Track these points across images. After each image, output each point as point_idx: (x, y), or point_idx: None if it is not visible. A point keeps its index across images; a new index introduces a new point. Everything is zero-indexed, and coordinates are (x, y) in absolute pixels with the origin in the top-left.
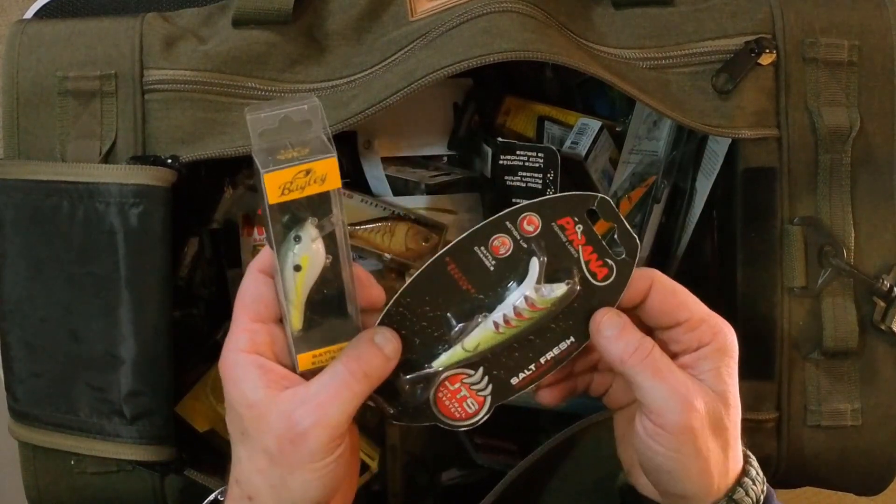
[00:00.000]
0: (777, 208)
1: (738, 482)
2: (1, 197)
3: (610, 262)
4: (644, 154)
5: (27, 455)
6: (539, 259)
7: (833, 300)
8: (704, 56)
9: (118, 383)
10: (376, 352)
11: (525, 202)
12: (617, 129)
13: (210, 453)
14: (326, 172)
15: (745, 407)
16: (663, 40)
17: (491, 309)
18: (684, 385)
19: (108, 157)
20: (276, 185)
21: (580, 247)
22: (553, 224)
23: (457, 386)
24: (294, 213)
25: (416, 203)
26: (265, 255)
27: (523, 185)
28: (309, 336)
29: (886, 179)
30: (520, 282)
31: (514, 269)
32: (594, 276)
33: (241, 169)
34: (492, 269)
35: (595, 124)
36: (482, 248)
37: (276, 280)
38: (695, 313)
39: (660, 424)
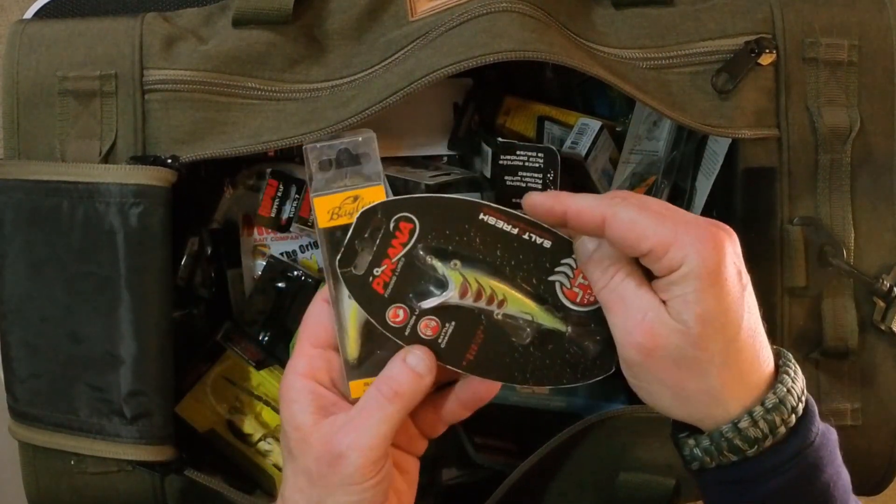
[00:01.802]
0: (777, 208)
1: (750, 411)
2: (1, 197)
3: (389, 231)
4: (644, 154)
5: (27, 455)
6: (423, 303)
7: (833, 300)
8: (704, 56)
9: (118, 383)
10: (408, 371)
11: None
12: (617, 129)
13: (210, 454)
14: (374, 200)
15: None
16: (663, 40)
17: (489, 313)
18: (634, 319)
19: (108, 157)
20: (326, 210)
21: (391, 262)
22: (385, 297)
23: (577, 293)
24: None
25: None
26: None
27: (523, 185)
28: (363, 364)
29: (886, 179)
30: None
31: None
32: (408, 236)
33: (240, 169)
34: (455, 326)
35: (595, 124)
36: (440, 343)
37: (331, 307)
38: (658, 242)
39: (619, 354)
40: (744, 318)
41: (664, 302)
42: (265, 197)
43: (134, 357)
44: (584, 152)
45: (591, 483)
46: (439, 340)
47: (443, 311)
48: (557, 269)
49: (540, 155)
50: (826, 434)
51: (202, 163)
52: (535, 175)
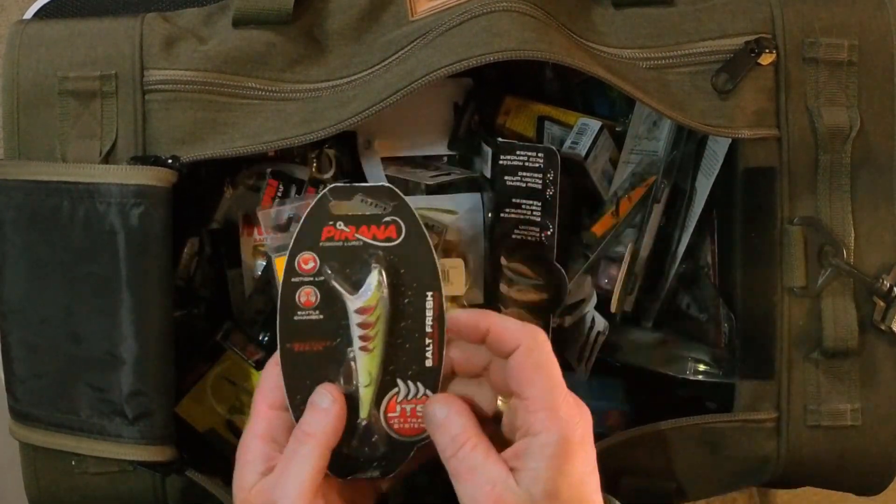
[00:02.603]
0: (777, 208)
1: None
2: (1, 198)
3: (385, 220)
4: (644, 154)
5: (28, 455)
6: (336, 279)
7: (833, 300)
8: (704, 56)
9: (119, 383)
10: (314, 410)
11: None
12: (617, 129)
13: (210, 454)
14: None
15: (745, 407)
16: (663, 40)
17: (350, 342)
18: (483, 490)
19: (108, 158)
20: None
21: (355, 234)
22: (319, 245)
23: (397, 410)
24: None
25: (417, 203)
26: None
27: (523, 184)
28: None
29: (886, 179)
30: (343, 305)
31: (333, 301)
32: (388, 240)
33: (240, 169)
34: (321, 318)
35: (595, 124)
36: (299, 312)
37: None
38: (537, 398)
39: None
40: (585, 494)
41: (512, 470)
42: (265, 197)
43: (135, 357)
44: (584, 152)
45: None
46: (301, 314)
47: (328, 301)
48: (410, 382)
49: (540, 155)
50: None
51: (202, 163)
52: (535, 175)
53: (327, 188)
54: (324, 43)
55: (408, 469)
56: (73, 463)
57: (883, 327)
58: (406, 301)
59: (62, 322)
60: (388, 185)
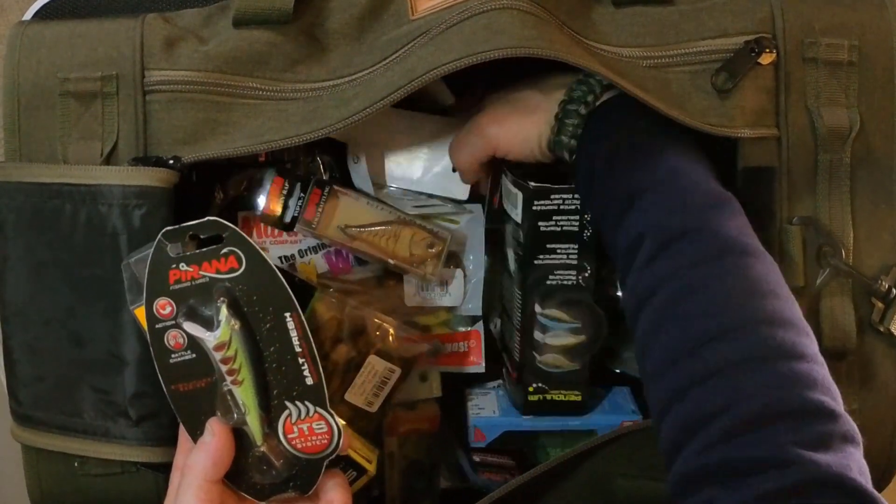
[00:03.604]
0: (776, 208)
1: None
2: (3, 200)
3: (223, 251)
4: None
5: (30, 458)
6: (186, 322)
7: (831, 300)
8: (704, 55)
9: (123, 385)
10: (196, 445)
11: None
12: None
13: None
14: None
15: None
16: (663, 39)
17: (222, 376)
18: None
19: (109, 159)
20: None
21: (199, 272)
22: (170, 289)
23: (295, 431)
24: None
25: (421, 205)
26: None
27: (558, 229)
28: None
29: (886, 180)
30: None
31: (198, 342)
32: (231, 271)
33: (231, 174)
34: (194, 356)
35: None
36: (173, 355)
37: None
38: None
39: None
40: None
41: None
42: (270, 195)
43: (138, 358)
44: None
45: (588, 488)
46: (175, 356)
47: (194, 340)
48: (298, 402)
49: (576, 197)
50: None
51: (193, 168)
52: (571, 217)
53: (161, 233)
54: (324, 42)
55: None
56: (76, 465)
57: (881, 328)
58: (267, 326)
59: (64, 324)
60: (215, 218)
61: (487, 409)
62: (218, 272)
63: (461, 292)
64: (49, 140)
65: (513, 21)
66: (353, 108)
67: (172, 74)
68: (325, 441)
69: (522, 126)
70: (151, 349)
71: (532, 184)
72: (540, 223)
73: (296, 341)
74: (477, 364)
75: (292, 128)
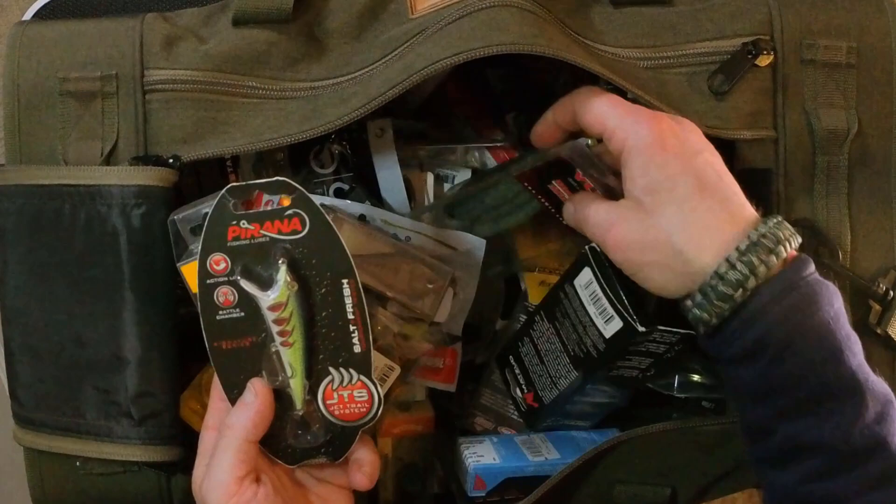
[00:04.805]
0: (773, 210)
1: (727, 257)
2: (2, 202)
3: (287, 213)
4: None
5: (32, 459)
6: (244, 279)
7: None
8: (702, 56)
9: (125, 385)
10: (237, 404)
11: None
12: None
13: None
14: None
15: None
16: (661, 40)
17: (272, 337)
18: (599, 226)
19: (109, 158)
20: (194, 276)
21: (260, 231)
22: (228, 245)
23: (335, 397)
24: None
25: (421, 229)
26: None
27: (644, 349)
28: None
29: (884, 182)
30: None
31: (250, 299)
32: (293, 233)
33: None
34: (242, 315)
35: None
36: (220, 312)
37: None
38: (605, 125)
39: (614, 262)
40: (694, 180)
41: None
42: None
43: (140, 358)
44: None
45: (590, 497)
46: (223, 313)
47: (246, 299)
48: (342, 369)
49: (675, 333)
50: (824, 286)
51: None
52: (662, 345)
53: (226, 188)
54: (324, 41)
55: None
56: (78, 464)
57: (878, 331)
58: (322, 291)
59: (66, 325)
60: (283, 178)
61: (487, 457)
62: (280, 233)
63: (447, 310)
64: (49, 140)
65: (512, 18)
66: (352, 105)
67: (172, 74)
68: (364, 409)
69: (662, 272)
70: (199, 303)
71: (640, 328)
72: (631, 347)
73: (349, 308)
74: (449, 384)
75: (292, 126)
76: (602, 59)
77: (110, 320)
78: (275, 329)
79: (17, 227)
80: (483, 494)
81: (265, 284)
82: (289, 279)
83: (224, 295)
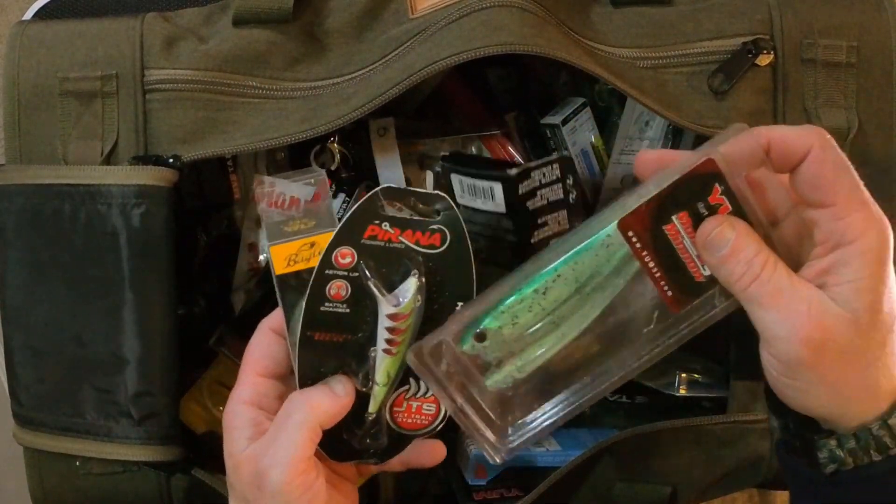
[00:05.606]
0: None
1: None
2: (2, 202)
3: (432, 227)
4: (635, 155)
5: (32, 458)
6: (373, 281)
7: None
8: (702, 56)
9: (125, 385)
10: (325, 390)
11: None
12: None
13: (209, 455)
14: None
15: (739, 408)
16: (661, 40)
17: (373, 341)
18: (798, 312)
19: (110, 158)
20: (283, 257)
21: (399, 237)
22: (361, 242)
23: (404, 405)
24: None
25: None
26: (278, 316)
27: (544, 202)
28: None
29: (885, 181)
30: (375, 305)
31: (362, 298)
32: (430, 247)
33: (210, 215)
34: (347, 311)
35: (579, 100)
36: (326, 304)
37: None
38: (847, 199)
39: (772, 354)
40: None
41: (821, 288)
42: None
43: (139, 358)
44: (560, 120)
45: (589, 496)
46: (328, 305)
47: (358, 298)
48: (421, 381)
49: (555, 166)
50: None
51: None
52: (555, 186)
53: (381, 187)
54: (324, 41)
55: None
56: (77, 464)
57: None
58: (435, 307)
59: (66, 325)
60: (440, 193)
61: None
62: (417, 243)
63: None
64: (49, 140)
65: (512, 18)
66: (352, 105)
67: (172, 73)
68: (427, 422)
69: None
70: (309, 289)
71: (512, 171)
72: (528, 202)
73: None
74: None
75: (292, 126)
76: (601, 60)
77: (110, 320)
78: (385, 335)
79: (18, 227)
80: (483, 483)
81: (386, 289)
82: (417, 293)
83: (338, 288)
